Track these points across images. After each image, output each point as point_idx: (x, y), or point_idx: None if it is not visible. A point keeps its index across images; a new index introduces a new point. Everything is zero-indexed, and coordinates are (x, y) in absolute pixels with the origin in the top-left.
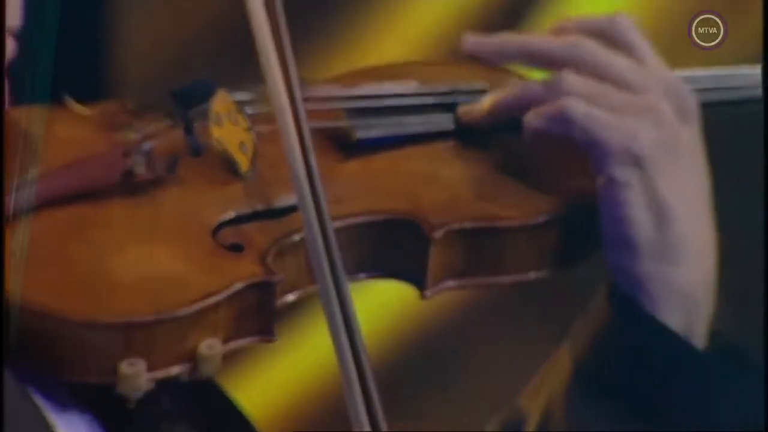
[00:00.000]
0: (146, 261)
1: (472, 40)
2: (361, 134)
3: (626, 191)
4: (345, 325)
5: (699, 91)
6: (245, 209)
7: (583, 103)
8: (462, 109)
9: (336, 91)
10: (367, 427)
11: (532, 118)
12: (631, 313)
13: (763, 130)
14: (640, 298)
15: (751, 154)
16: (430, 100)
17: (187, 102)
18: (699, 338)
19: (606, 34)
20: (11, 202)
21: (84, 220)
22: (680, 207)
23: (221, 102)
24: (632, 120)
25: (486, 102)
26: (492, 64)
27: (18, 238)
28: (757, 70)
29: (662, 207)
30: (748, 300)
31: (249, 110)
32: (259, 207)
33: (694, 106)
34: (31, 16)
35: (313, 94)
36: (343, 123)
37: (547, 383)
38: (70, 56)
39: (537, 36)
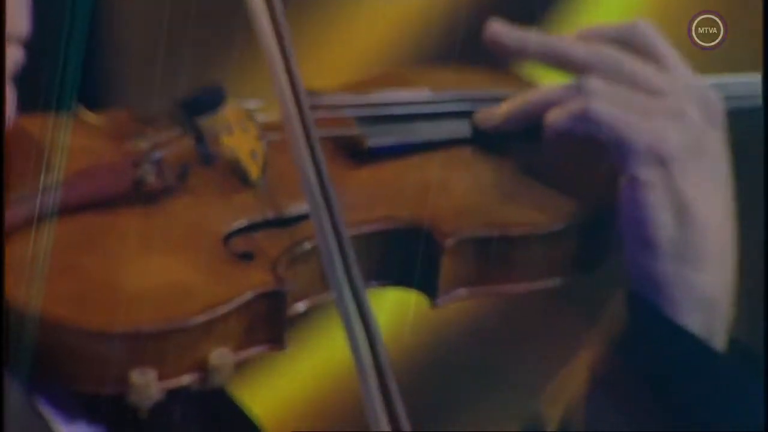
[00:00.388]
0: (156, 270)
1: (497, 28)
2: (373, 142)
3: (649, 191)
4: (365, 332)
5: (726, 98)
6: (256, 218)
7: (608, 103)
8: (479, 115)
9: (347, 98)
10: None
11: (555, 117)
12: (649, 316)
13: (763, 136)
14: (659, 301)
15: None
16: (443, 108)
17: (198, 110)
18: (718, 342)
19: (630, 41)
20: (23, 210)
21: (94, 229)
22: (703, 210)
23: (232, 110)
24: (658, 121)
25: (505, 106)
26: (509, 57)
27: (30, 247)
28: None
29: (685, 209)
30: (756, 305)
31: (260, 118)
32: (270, 215)
33: (720, 111)
34: (56, 23)
35: (324, 101)
36: (354, 131)
37: (565, 389)
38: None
39: (562, 38)
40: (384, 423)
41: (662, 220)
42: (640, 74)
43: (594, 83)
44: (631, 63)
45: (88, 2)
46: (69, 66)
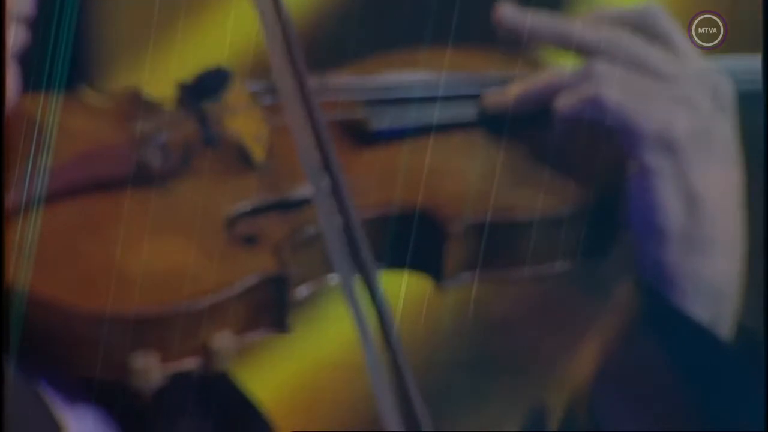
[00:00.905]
0: (159, 253)
1: (508, 11)
2: (377, 125)
3: (658, 178)
4: (377, 318)
5: (736, 81)
6: (260, 201)
7: (617, 89)
8: (487, 98)
9: (352, 81)
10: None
11: (564, 102)
12: (656, 305)
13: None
14: (666, 289)
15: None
16: (449, 91)
17: (202, 92)
18: (725, 331)
19: (641, 26)
20: (23, 190)
21: (96, 212)
22: (711, 196)
23: (236, 92)
24: (667, 107)
25: (513, 89)
26: (520, 40)
27: (29, 229)
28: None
29: (693, 195)
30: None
31: (266, 101)
32: (275, 198)
33: (729, 96)
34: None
35: (328, 84)
36: (359, 114)
37: (571, 378)
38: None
39: (572, 21)
40: (396, 417)
41: (671, 208)
42: (650, 59)
43: (604, 68)
44: (641, 47)
45: None
46: (70, 46)
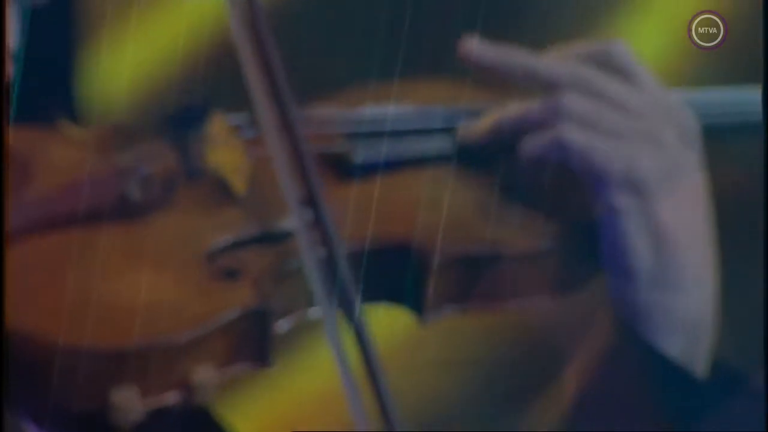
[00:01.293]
0: (139, 286)
1: (473, 46)
2: (359, 158)
3: (625, 218)
4: (360, 348)
5: (701, 115)
6: (241, 234)
7: (582, 129)
8: (461, 129)
9: (334, 114)
10: None
11: (528, 145)
12: (630, 339)
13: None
14: (639, 325)
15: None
16: (429, 123)
17: (183, 125)
18: (700, 366)
19: (605, 61)
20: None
21: (77, 244)
22: (680, 234)
23: (217, 125)
24: (631, 146)
25: (485, 121)
26: (487, 75)
27: (8, 261)
28: (757, 92)
29: (662, 234)
30: (747, 327)
31: (247, 134)
32: (256, 232)
33: (695, 130)
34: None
35: (309, 116)
36: (341, 147)
37: (545, 412)
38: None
39: (538, 55)
40: None
41: (639, 248)
42: (615, 95)
43: (569, 105)
44: (606, 83)
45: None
46: (54, 79)
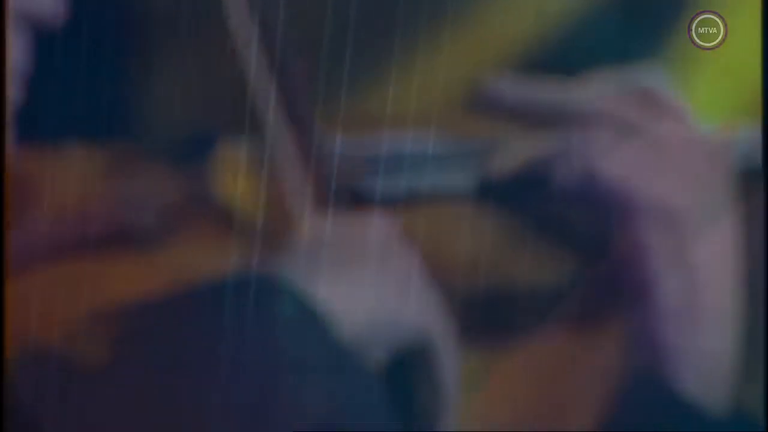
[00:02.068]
0: None
1: (507, 87)
2: (378, 191)
3: (654, 256)
4: None
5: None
6: (248, 262)
7: (615, 163)
8: (483, 167)
9: (353, 145)
10: None
11: (561, 176)
12: (646, 379)
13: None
14: (657, 364)
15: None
16: (451, 157)
17: (192, 151)
18: (719, 406)
19: (636, 90)
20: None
21: (81, 273)
22: (709, 273)
23: (226, 152)
24: (665, 181)
25: (509, 160)
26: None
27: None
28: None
29: (690, 273)
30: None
31: (257, 160)
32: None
33: (730, 163)
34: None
35: (330, 148)
36: (358, 177)
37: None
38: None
39: (565, 88)
40: None
41: (666, 286)
42: (648, 127)
43: (599, 138)
44: (641, 117)
45: None
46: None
